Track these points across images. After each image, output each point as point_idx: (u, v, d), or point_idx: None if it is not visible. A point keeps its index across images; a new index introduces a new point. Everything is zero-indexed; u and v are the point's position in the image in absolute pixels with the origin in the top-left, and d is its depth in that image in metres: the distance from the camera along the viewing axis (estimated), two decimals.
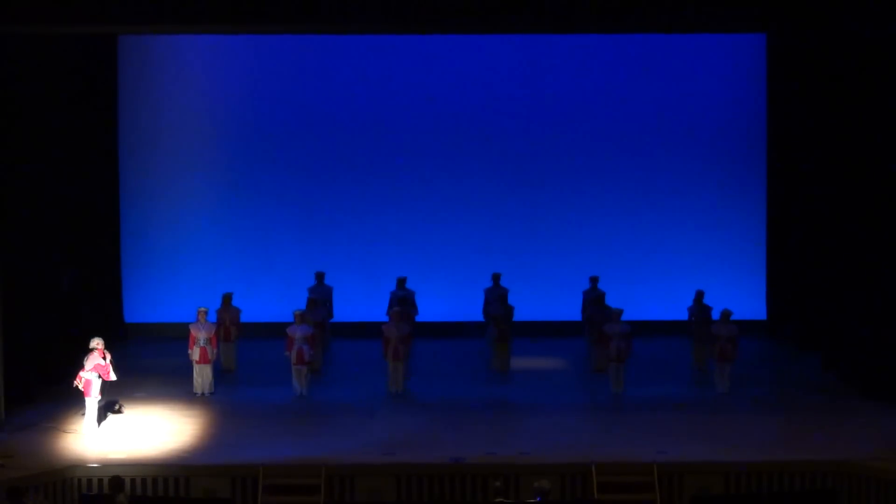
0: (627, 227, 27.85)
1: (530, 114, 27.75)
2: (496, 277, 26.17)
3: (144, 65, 27.49)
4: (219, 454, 19.31)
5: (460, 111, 27.71)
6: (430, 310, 26.72)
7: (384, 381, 23.03)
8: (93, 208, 26.08)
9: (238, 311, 24.92)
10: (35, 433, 20.38)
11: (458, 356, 25.94)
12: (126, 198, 27.60)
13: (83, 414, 20.37)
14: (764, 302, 27.89)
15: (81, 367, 20.26)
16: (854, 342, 23.35)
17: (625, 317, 23.27)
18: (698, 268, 27.59)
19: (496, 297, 25.35)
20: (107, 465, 18.74)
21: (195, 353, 22.88)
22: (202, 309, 23.18)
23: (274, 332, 25.16)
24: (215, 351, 23.28)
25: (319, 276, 26.24)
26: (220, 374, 23.83)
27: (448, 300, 27.59)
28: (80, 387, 20.21)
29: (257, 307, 26.69)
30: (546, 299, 27.61)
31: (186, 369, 23.12)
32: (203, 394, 22.82)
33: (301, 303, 24.99)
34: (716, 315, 24.08)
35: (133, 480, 18.52)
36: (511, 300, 25.32)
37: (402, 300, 25.54)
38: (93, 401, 20.19)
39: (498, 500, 17.06)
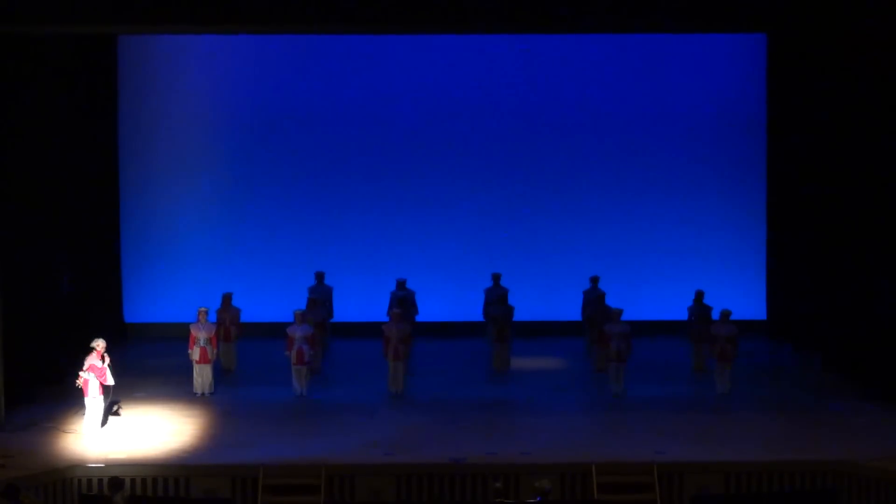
0: (628, 228, 27.86)
1: (530, 114, 27.75)
2: (496, 277, 26.18)
3: (144, 65, 27.49)
4: (219, 454, 19.30)
5: (461, 111, 27.71)
6: (430, 310, 26.73)
7: (384, 381, 23.03)
8: (93, 208, 26.07)
9: (238, 311, 24.92)
10: (35, 433, 20.38)
11: (458, 356, 25.94)
12: (126, 198, 27.61)
13: (83, 414, 20.37)
14: (764, 302, 27.89)
15: (82, 366, 20.29)
16: (854, 342, 23.35)
17: (625, 317, 23.26)
18: (698, 268, 27.60)
19: (496, 297, 25.34)
20: (107, 465, 18.75)
21: (195, 353, 22.88)
22: (202, 309, 23.19)
23: (274, 332, 25.16)
24: (215, 351, 23.28)
25: (319, 276, 26.24)
26: (220, 374, 23.84)
27: (448, 300, 27.60)
28: (81, 386, 20.25)
29: (257, 307, 26.69)
30: (546, 299, 27.62)
31: (186, 369, 23.12)
32: (203, 394, 22.82)
33: (301, 303, 24.99)
34: (716, 315, 24.08)
35: (133, 480, 18.52)
36: (511, 300, 25.32)
37: (402, 300, 25.55)
38: (91, 401, 20.17)
39: (498, 500, 17.05)
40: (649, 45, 27.47)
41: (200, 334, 22.93)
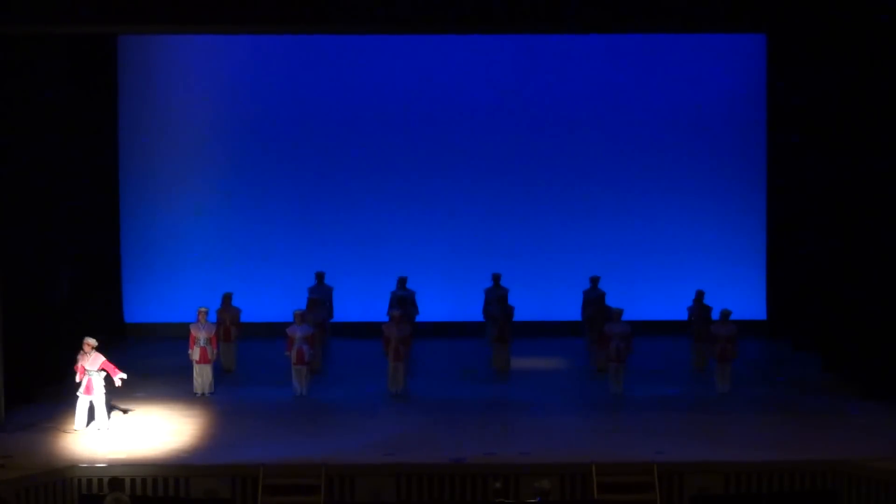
0: (628, 227, 27.86)
1: (530, 114, 27.75)
2: (496, 277, 26.18)
3: (144, 65, 27.50)
4: (219, 454, 19.30)
5: (461, 111, 27.71)
6: (430, 310, 26.73)
7: (384, 381, 23.03)
8: (93, 208, 26.07)
9: (238, 311, 24.92)
10: (35, 433, 20.38)
11: (458, 356, 25.94)
12: (126, 198, 27.61)
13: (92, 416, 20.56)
14: (764, 302, 27.89)
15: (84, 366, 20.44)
16: (854, 342, 23.34)
17: (625, 317, 23.26)
18: (698, 268, 27.61)
19: (496, 298, 25.34)
20: (107, 465, 18.75)
21: (195, 353, 22.88)
22: (202, 309, 23.19)
23: (274, 332, 25.17)
24: (215, 351, 23.28)
25: (319, 276, 26.24)
26: (220, 374, 23.84)
27: (448, 300, 27.60)
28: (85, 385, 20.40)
29: (257, 307, 26.70)
30: (546, 299, 27.62)
31: (186, 369, 23.12)
32: (203, 394, 22.82)
33: (301, 303, 24.99)
34: (716, 315, 24.08)
35: (133, 480, 18.52)
36: (511, 300, 25.31)
37: (403, 300, 25.55)
38: (98, 398, 20.28)
39: (498, 500, 17.05)
40: (649, 45, 27.47)
41: (200, 334, 22.93)
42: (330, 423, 21.08)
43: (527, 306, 26.46)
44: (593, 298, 25.70)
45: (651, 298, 27.48)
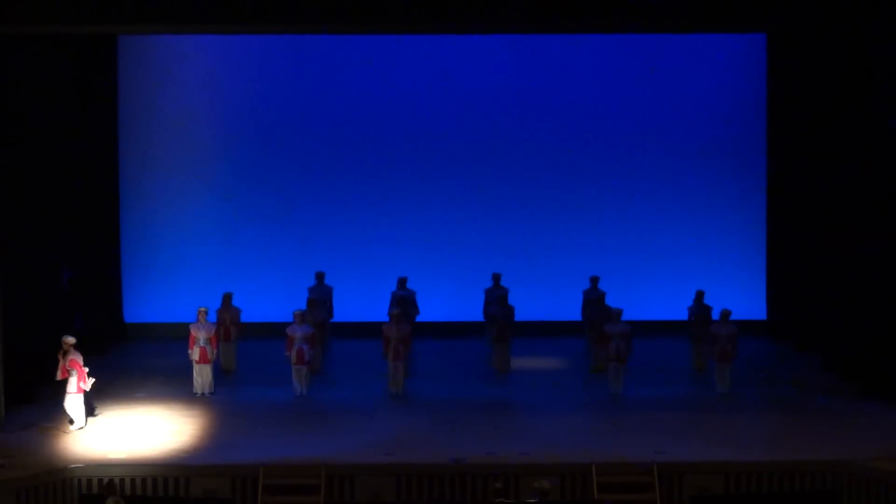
0: (628, 227, 27.87)
1: (530, 114, 27.76)
2: (496, 277, 26.18)
3: (144, 65, 27.49)
4: (219, 454, 19.30)
5: (461, 111, 27.71)
6: (430, 310, 26.73)
7: (384, 381, 23.02)
8: (93, 208, 26.07)
9: (238, 311, 24.92)
10: (35, 433, 20.38)
11: (458, 356, 25.94)
12: (126, 198, 27.61)
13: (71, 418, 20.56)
14: (764, 302, 27.89)
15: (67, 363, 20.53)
16: (854, 342, 23.34)
17: (625, 317, 23.27)
18: (698, 268, 27.61)
19: (496, 298, 25.34)
20: (107, 465, 18.75)
21: (195, 353, 22.88)
22: (202, 309, 23.18)
23: (274, 332, 25.17)
24: (215, 351, 23.28)
25: (319, 276, 26.23)
26: (220, 374, 23.84)
27: (448, 300, 27.60)
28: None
29: (257, 307, 26.70)
30: (546, 299, 27.62)
31: (186, 369, 23.12)
32: (203, 394, 22.82)
33: (301, 303, 24.99)
34: (716, 315, 24.08)
35: (133, 480, 18.53)
36: (511, 300, 25.31)
37: (403, 300, 25.55)
38: (77, 397, 20.47)
39: (498, 500, 17.05)
40: (649, 45, 27.48)
41: (200, 334, 22.93)
42: (330, 423, 21.08)
43: (527, 306, 26.46)
44: (593, 298, 25.70)
45: (651, 298, 27.48)
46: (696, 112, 27.78)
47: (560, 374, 24.58)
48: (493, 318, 25.11)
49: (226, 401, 22.51)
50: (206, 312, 23.21)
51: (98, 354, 25.10)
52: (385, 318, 24.43)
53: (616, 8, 20.24)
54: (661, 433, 20.31)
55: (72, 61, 24.90)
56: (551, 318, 27.54)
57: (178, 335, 25.17)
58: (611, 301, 25.15)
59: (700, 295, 25.16)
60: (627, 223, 27.87)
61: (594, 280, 26.03)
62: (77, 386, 20.43)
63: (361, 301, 27.30)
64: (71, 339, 20.74)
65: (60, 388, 20.82)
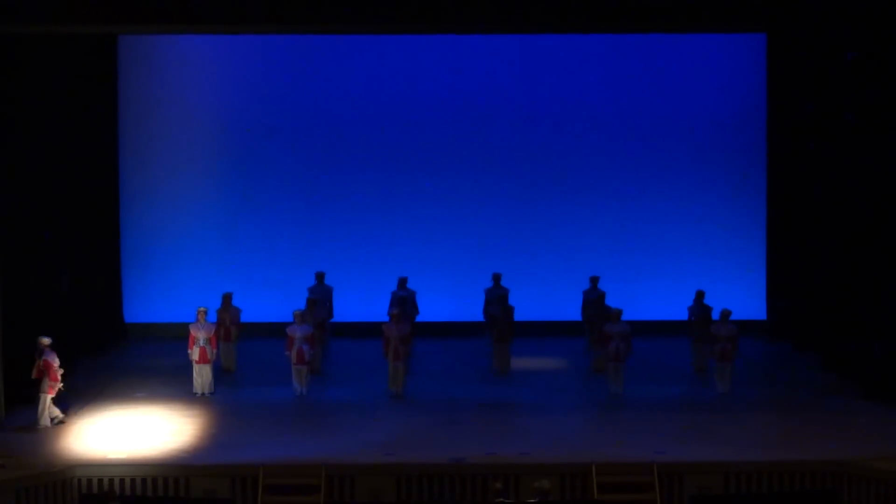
0: (628, 227, 27.88)
1: (530, 114, 27.76)
2: (496, 277, 26.18)
3: (144, 65, 27.50)
4: (219, 454, 19.29)
5: (460, 111, 27.72)
6: (430, 310, 26.73)
7: (384, 381, 23.02)
8: (93, 208, 26.06)
9: (238, 311, 24.92)
10: (35, 433, 20.38)
11: (458, 356, 25.94)
12: (126, 198, 27.61)
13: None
14: (764, 302, 27.89)
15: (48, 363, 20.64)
16: (854, 342, 23.34)
17: (625, 317, 23.26)
18: (698, 268, 27.62)
19: (496, 298, 25.34)
20: (107, 465, 18.74)
21: (195, 353, 22.88)
22: (202, 309, 23.18)
23: (274, 332, 25.17)
24: (215, 351, 23.28)
25: (319, 276, 26.23)
26: (220, 374, 23.83)
27: (448, 300, 27.60)
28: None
29: (257, 307, 26.69)
30: (546, 299, 27.62)
31: (186, 369, 23.12)
32: (203, 394, 22.82)
33: (301, 303, 24.98)
34: (716, 315, 24.08)
35: (133, 480, 18.52)
36: (511, 300, 25.31)
37: (403, 300, 25.54)
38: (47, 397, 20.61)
39: (498, 500, 17.05)
40: (649, 45, 27.47)
41: (200, 334, 22.93)
42: (330, 423, 21.08)
43: (527, 306, 26.46)
44: (593, 298, 25.70)
45: (651, 298, 27.49)
46: (696, 112, 27.79)
47: (560, 374, 24.58)
48: (493, 319, 25.10)
49: (226, 401, 22.50)
50: (206, 312, 23.21)
51: (98, 354, 25.15)
52: (385, 318, 24.43)
53: (616, 8, 20.24)
54: (661, 433, 20.31)
55: (72, 61, 24.88)
56: (551, 318, 27.54)
57: (177, 335, 25.16)
58: (611, 301, 25.14)
59: (700, 295, 25.15)
60: (627, 223, 27.88)
61: (594, 280, 26.03)
62: (48, 386, 20.49)
63: (361, 301, 27.31)
64: (46, 340, 20.81)
65: (61, 389, 20.87)
